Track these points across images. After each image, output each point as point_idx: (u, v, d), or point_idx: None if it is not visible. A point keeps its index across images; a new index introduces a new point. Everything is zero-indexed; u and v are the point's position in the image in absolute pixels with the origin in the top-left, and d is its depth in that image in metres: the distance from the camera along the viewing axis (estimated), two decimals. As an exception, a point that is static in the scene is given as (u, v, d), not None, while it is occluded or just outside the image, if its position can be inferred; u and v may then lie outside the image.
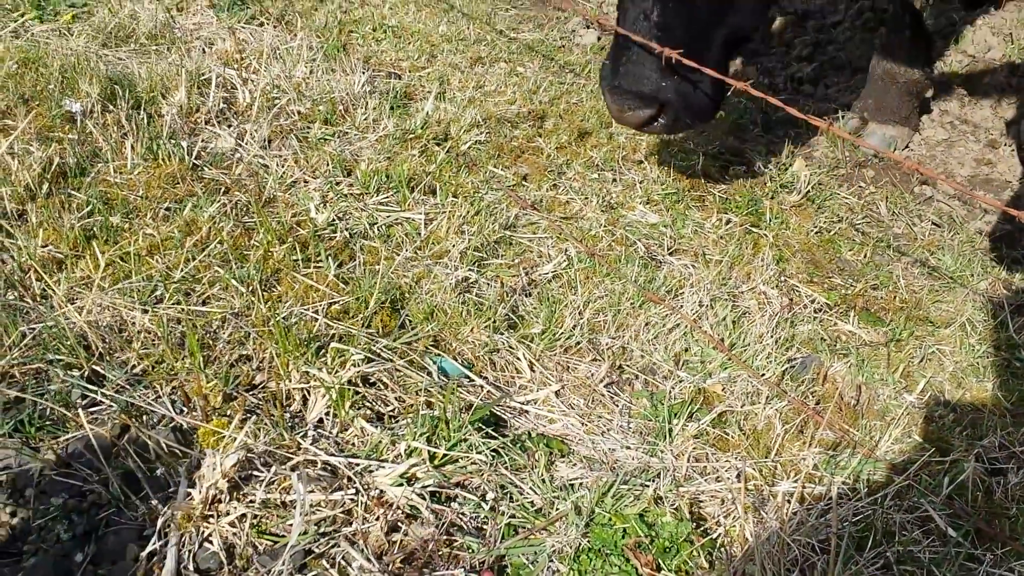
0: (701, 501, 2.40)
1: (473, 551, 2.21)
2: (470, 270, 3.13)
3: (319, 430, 2.51)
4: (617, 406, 2.70)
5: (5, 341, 2.62)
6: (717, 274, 3.24)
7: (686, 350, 2.92)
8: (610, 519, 2.26)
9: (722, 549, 2.25)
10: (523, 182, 3.75)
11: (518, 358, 2.83)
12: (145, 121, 3.66)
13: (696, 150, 4.10)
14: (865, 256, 3.55)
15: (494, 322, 2.90)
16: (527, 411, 2.66)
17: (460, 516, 2.30)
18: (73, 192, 3.26)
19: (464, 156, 3.84)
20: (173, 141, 3.60)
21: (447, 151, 3.81)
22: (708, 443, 2.58)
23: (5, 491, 2.32)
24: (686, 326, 2.97)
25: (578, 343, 2.90)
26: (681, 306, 3.06)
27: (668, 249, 3.40)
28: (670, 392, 2.74)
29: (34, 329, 2.69)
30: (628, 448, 2.54)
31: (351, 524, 2.24)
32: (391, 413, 2.59)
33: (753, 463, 2.50)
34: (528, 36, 5.28)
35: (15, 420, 2.44)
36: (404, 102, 4.24)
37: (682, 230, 3.52)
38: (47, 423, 2.46)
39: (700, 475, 2.47)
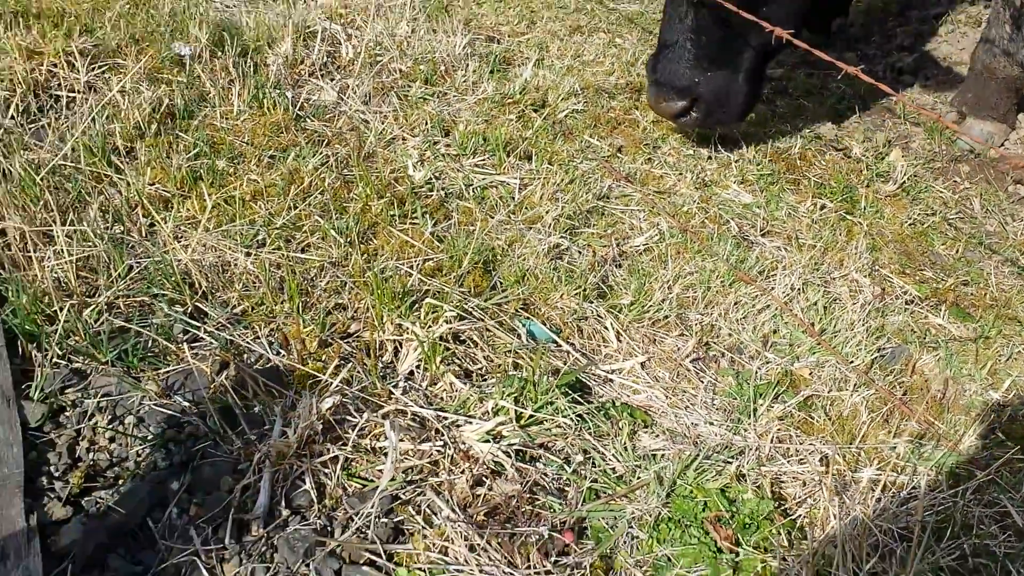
0: (783, 482, 2.41)
1: (554, 511, 2.24)
2: (562, 237, 3.16)
3: (409, 382, 2.56)
4: (702, 382, 2.71)
5: (112, 273, 2.72)
6: (810, 259, 3.22)
7: (775, 332, 2.92)
8: (691, 492, 2.29)
9: (802, 530, 2.26)
10: (618, 153, 3.75)
11: (606, 327, 2.85)
12: (251, 69, 3.74)
13: (793, 132, 4.07)
14: (957, 251, 3.49)
15: (584, 290, 2.93)
16: (612, 380, 2.69)
17: (543, 476, 2.34)
18: (181, 134, 3.35)
19: (561, 124, 3.85)
20: (278, 91, 3.67)
21: (544, 118, 3.83)
22: (792, 425, 2.58)
23: (105, 417, 2.42)
24: (776, 308, 2.96)
25: (666, 317, 2.91)
26: (772, 288, 3.05)
27: (761, 230, 3.38)
28: (756, 372, 2.74)
29: (140, 263, 2.79)
30: (711, 424, 2.55)
31: (437, 475, 2.29)
32: (479, 371, 2.63)
33: (838, 448, 2.50)
34: (628, 7, 5.25)
35: (119, 349, 2.53)
36: (503, 67, 4.26)
37: (776, 212, 3.50)
38: (149, 355, 2.55)
39: (783, 456, 2.47)
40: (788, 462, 2.45)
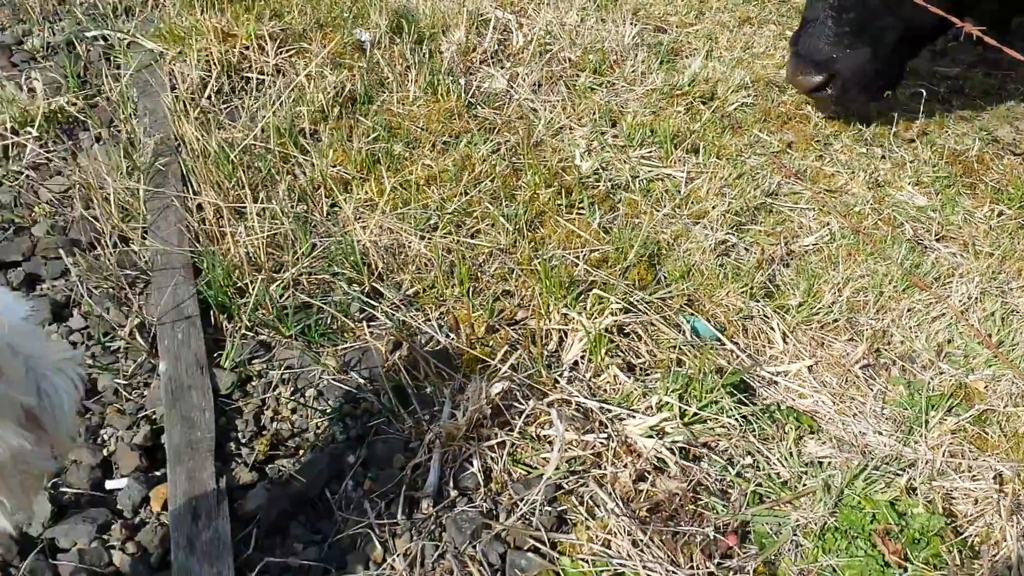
0: (954, 498, 2.35)
1: (717, 513, 2.25)
2: (729, 233, 3.13)
3: (574, 372, 2.60)
4: (871, 390, 2.65)
5: (297, 250, 2.86)
6: (987, 267, 3.10)
7: (949, 341, 2.83)
8: (859, 502, 2.26)
9: (973, 549, 2.20)
10: (788, 149, 3.69)
11: (772, 328, 2.82)
12: (426, 56, 3.84)
13: (970, 134, 3.91)
14: None
15: (750, 288, 2.90)
16: (777, 382, 2.66)
17: (706, 476, 2.34)
18: (361, 118, 3.48)
19: (729, 117, 3.81)
20: (451, 78, 3.76)
21: (712, 111, 3.79)
22: (966, 440, 2.50)
23: (288, 388, 2.55)
24: (952, 317, 2.87)
25: (835, 320, 2.85)
26: (948, 296, 2.96)
27: (935, 235, 3.27)
28: (929, 383, 2.67)
29: (323, 242, 2.92)
30: (880, 434, 2.51)
31: (600, 467, 2.32)
32: (642, 365, 2.65)
33: (1014, 466, 2.42)
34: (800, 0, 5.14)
35: (302, 324, 2.66)
36: (671, 58, 4.24)
37: (951, 217, 3.38)
38: (329, 331, 2.67)
39: (955, 471, 2.41)
40: (960, 478, 2.39)
